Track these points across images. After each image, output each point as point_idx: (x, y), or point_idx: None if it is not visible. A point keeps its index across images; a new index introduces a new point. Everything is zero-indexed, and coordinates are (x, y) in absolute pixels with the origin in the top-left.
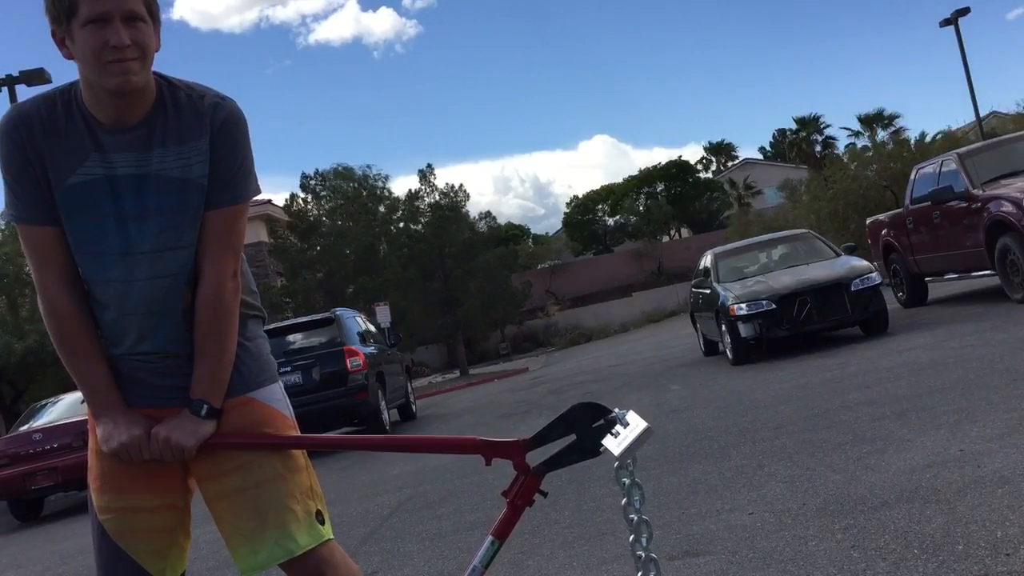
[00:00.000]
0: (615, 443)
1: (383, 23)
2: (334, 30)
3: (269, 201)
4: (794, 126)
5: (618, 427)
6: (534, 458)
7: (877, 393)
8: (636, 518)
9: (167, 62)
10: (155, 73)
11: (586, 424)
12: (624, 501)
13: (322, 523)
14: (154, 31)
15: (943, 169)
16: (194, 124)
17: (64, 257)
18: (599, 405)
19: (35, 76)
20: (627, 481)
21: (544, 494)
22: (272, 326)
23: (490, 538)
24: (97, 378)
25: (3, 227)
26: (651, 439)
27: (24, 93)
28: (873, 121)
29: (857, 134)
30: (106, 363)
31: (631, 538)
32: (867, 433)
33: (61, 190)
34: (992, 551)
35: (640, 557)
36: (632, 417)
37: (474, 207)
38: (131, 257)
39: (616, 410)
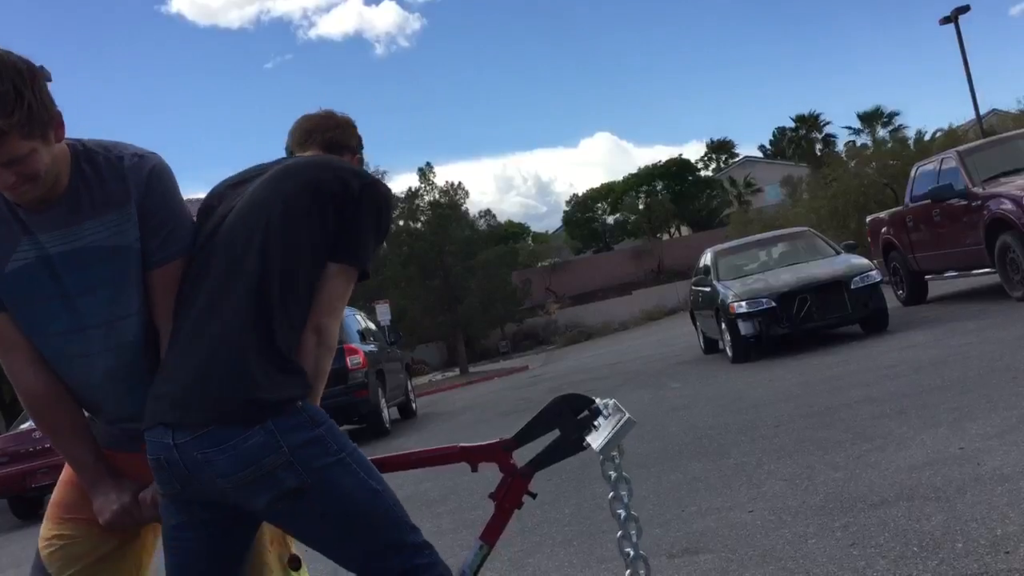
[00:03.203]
0: (597, 436)
1: (386, 17)
2: (336, 24)
3: None
4: (794, 124)
5: (600, 419)
6: (525, 456)
7: (877, 391)
8: (624, 513)
9: (165, 59)
10: (68, 140)
11: (569, 418)
12: (611, 495)
13: (297, 568)
14: (47, 136)
15: (943, 167)
16: (118, 189)
17: (27, 339)
18: (581, 396)
19: None
20: (613, 475)
21: (533, 495)
22: None
23: (479, 542)
24: (82, 455)
25: None
26: (651, 437)
27: None
28: (873, 119)
29: (857, 132)
30: (89, 437)
31: (619, 534)
32: (867, 431)
33: None
34: (992, 549)
35: (629, 555)
36: (615, 407)
37: (476, 205)
38: (85, 332)
39: (598, 400)
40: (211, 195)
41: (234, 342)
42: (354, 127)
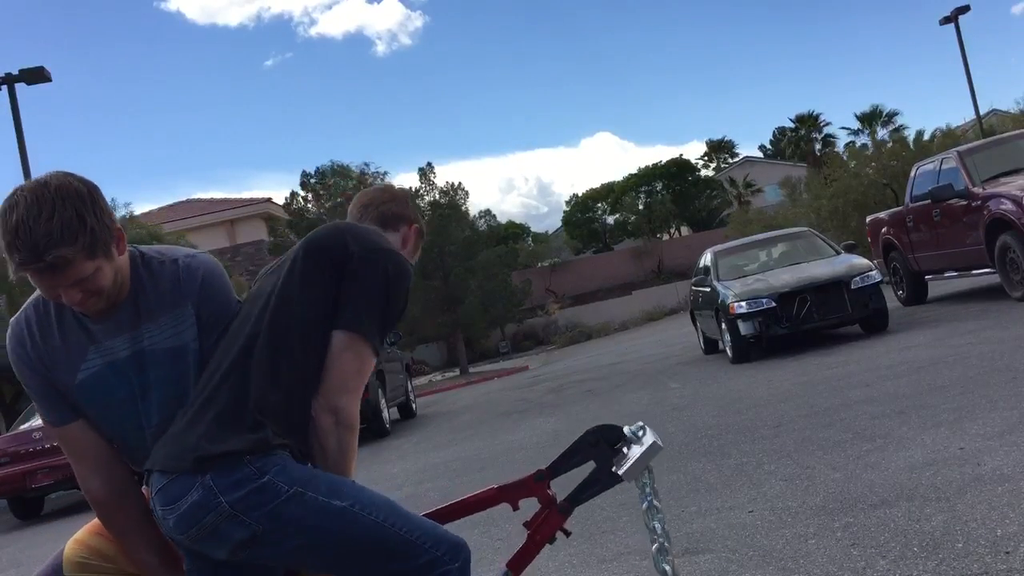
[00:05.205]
0: (624, 463)
1: (387, 15)
2: (337, 22)
3: (269, 199)
4: (794, 124)
5: (633, 446)
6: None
7: (877, 391)
8: (658, 544)
9: (164, 57)
10: (128, 248)
11: (604, 449)
12: (645, 522)
13: None
14: (109, 253)
15: (943, 167)
16: (173, 291)
17: (96, 445)
18: (615, 427)
19: (35, 74)
20: (645, 505)
21: (567, 533)
22: None
23: (504, 569)
24: (147, 559)
25: None
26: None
27: (24, 91)
28: (872, 119)
29: (857, 132)
30: (155, 541)
31: (654, 565)
32: (867, 431)
33: (73, 389)
34: (992, 549)
35: None
36: (645, 432)
37: (477, 205)
38: (144, 432)
39: (626, 428)
40: (260, 275)
41: (209, 397)
42: (410, 198)
